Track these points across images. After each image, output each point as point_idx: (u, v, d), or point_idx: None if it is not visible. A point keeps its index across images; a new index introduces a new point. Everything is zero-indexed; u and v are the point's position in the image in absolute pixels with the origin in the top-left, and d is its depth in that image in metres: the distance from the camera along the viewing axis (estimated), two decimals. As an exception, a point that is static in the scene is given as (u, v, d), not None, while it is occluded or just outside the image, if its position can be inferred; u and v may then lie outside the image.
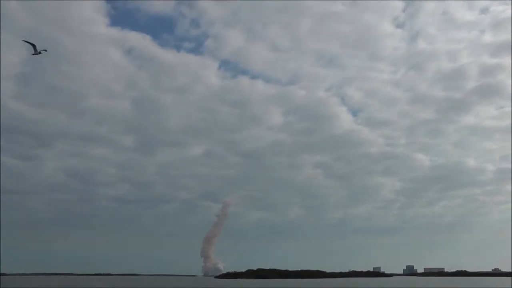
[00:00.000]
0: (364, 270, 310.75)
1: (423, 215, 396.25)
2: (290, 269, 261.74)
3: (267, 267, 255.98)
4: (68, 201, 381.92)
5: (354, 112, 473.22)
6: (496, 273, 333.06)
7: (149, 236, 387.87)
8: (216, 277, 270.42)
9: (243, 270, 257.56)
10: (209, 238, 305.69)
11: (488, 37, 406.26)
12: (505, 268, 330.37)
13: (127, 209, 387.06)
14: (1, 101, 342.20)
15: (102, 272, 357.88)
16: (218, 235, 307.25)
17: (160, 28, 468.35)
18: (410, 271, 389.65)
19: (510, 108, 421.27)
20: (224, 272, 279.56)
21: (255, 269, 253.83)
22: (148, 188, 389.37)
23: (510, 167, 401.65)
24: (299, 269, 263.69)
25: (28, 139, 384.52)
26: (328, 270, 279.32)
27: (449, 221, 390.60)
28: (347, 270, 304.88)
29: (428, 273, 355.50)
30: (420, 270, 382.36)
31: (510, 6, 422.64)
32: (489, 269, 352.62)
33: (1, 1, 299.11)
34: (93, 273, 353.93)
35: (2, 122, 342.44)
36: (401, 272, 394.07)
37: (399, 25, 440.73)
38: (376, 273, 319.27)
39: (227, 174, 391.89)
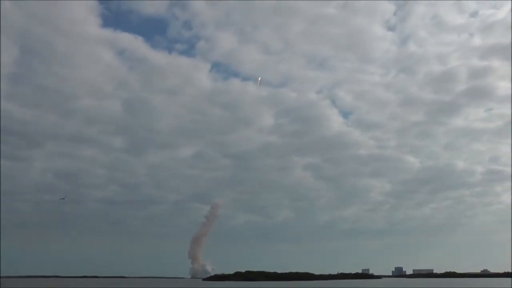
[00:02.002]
0: (353, 272, 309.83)
1: (412, 217, 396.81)
2: (279, 271, 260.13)
3: (255, 269, 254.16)
4: (56, 202, 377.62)
5: (345, 114, 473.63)
6: (485, 274, 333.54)
7: (137, 238, 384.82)
8: (204, 279, 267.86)
9: (231, 272, 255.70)
10: (197, 239, 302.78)
11: (477, 40, 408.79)
12: (494, 269, 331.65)
13: (116, 211, 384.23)
14: None
15: (88, 274, 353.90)
16: (207, 237, 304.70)
17: (152, 30, 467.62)
18: (399, 273, 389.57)
19: (498, 110, 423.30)
20: (212, 274, 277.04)
21: (243, 271, 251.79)
22: (137, 189, 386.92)
23: (499, 168, 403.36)
24: (288, 272, 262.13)
25: (18, 140, 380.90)
26: (317, 272, 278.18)
27: (438, 223, 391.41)
28: (336, 272, 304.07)
29: (417, 274, 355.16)
30: (409, 271, 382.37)
31: (498, 10, 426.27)
32: (478, 270, 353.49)
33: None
34: (80, 275, 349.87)
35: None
36: (390, 274, 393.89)
37: (390, 28, 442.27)
38: (365, 275, 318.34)
39: (217, 176, 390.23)
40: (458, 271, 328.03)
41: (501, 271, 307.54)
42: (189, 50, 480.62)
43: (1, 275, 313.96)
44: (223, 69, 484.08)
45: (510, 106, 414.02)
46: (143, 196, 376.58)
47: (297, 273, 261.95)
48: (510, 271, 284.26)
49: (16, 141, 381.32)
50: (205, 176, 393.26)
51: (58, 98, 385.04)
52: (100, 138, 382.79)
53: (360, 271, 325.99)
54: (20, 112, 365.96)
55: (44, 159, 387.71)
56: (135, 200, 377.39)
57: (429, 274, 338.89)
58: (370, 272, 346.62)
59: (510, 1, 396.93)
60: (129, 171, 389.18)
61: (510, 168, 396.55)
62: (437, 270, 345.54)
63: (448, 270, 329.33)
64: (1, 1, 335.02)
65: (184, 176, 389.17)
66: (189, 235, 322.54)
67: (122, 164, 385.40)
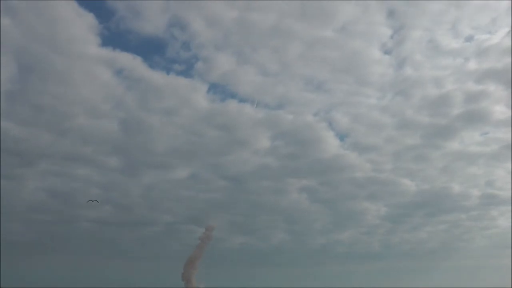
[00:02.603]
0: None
1: (408, 240, 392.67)
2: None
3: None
4: (48, 222, 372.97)
5: (341, 137, 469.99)
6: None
7: (130, 259, 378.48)
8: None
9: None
10: (191, 262, 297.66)
11: (472, 65, 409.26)
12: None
13: (109, 231, 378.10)
14: None
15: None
16: (201, 259, 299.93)
17: (151, 50, 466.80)
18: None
19: (494, 135, 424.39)
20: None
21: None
22: (131, 210, 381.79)
23: (495, 192, 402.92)
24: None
25: (11, 158, 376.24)
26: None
27: (435, 247, 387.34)
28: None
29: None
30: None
31: (493, 35, 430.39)
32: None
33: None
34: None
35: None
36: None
37: (387, 52, 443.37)
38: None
39: (212, 198, 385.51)
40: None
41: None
42: (187, 71, 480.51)
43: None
44: (220, 90, 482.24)
45: (506, 130, 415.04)
46: (137, 217, 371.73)
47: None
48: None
49: (8, 159, 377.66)
50: (200, 197, 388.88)
51: (54, 116, 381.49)
52: (95, 158, 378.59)
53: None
54: (15, 130, 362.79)
55: (37, 178, 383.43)
56: (128, 221, 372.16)
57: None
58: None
59: (508, 27, 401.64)
60: (124, 191, 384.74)
61: (506, 192, 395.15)
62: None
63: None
64: (1, 19, 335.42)
65: (179, 197, 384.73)
66: (183, 257, 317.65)
67: (116, 184, 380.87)
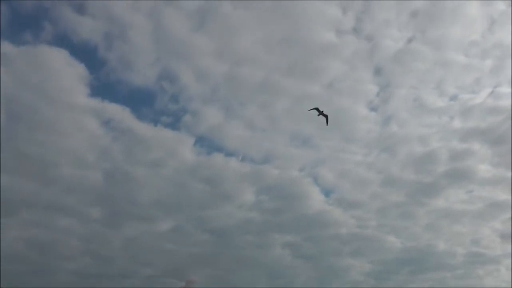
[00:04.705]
0: None
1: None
2: None
3: None
4: (25, 273, 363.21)
5: (327, 193, 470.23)
6: None
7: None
8: None
9: None
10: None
11: (457, 123, 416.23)
12: None
13: (87, 283, 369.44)
14: None
15: None
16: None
17: (140, 101, 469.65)
18: None
19: (479, 193, 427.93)
20: None
21: None
22: (111, 262, 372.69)
23: (480, 251, 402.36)
24: None
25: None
26: None
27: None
28: None
29: None
30: None
31: (477, 95, 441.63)
32: None
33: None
34: None
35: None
36: None
37: (373, 109, 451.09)
38: None
39: (194, 251, 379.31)
40: None
41: None
42: (175, 123, 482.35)
43: None
44: (207, 144, 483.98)
45: (491, 189, 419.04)
46: (117, 269, 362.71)
47: None
48: None
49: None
50: (182, 251, 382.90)
51: (39, 166, 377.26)
52: (78, 208, 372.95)
53: None
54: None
55: (17, 227, 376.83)
56: (108, 273, 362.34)
57: None
58: None
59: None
60: (105, 243, 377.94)
61: (491, 251, 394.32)
62: None
63: None
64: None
65: (160, 250, 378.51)
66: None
67: (98, 236, 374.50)
